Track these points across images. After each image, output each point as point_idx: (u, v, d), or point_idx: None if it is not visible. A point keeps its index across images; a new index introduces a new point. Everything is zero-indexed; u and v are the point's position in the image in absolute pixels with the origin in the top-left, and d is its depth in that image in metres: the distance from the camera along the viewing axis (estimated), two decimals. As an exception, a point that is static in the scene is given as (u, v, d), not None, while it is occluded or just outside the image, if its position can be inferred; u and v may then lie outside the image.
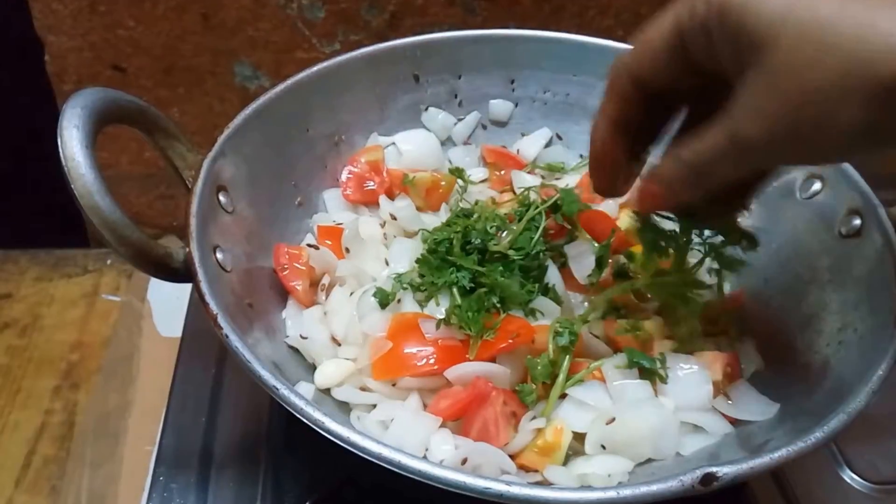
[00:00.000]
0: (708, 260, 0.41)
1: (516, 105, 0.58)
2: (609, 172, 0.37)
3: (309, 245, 0.48)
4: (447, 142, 0.58)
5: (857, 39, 0.25)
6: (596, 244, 0.46)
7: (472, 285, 0.42)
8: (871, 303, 0.39)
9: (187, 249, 0.37)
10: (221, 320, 0.34)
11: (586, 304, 0.44)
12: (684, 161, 0.31)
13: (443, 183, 0.53)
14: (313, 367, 0.43)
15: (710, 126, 0.30)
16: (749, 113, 0.28)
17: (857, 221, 0.42)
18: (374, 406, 0.40)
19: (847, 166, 0.45)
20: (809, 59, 0.25)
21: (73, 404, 0.54)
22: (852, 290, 0.41)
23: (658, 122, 0.36)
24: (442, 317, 0.41)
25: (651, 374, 0.40)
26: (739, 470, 0.30)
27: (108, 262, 0.65)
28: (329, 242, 0.48)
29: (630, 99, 0.33)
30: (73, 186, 0.34)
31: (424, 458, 0.36)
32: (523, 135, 0.59)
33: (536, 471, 0.38)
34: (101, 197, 0.34)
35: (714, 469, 0.29)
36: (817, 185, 0.46)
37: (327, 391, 0.41)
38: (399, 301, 0.43)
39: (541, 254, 0.44)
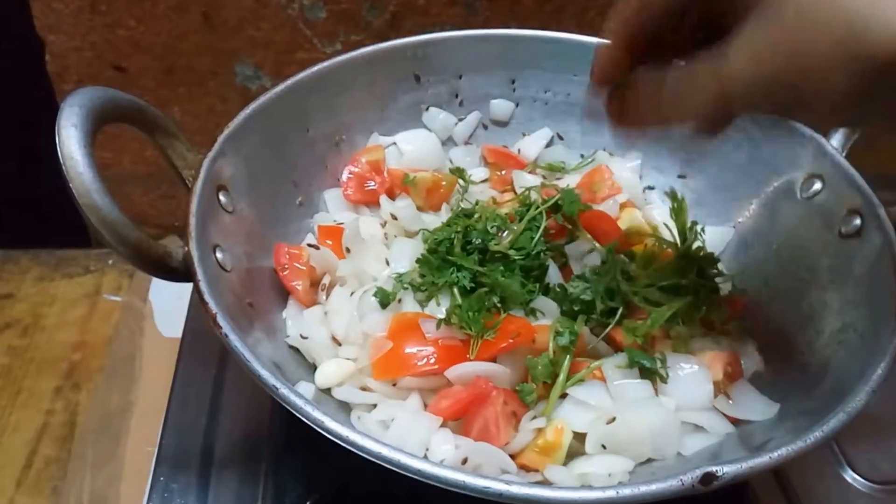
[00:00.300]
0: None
1: (517, 105, 0.58)
2: (608, 79, 0.36)
3: (309, 245, 0.48)
4: (448, 142, 0.58)
5: (860, 10, 0.25)
6: (597, 244, 0.46)
7: (473, 285, 0.42)
8: (871, 303, 0.39)
9: (186, 249, 0.37)
10: (220, 319, 0.34)
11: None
12: (667, 84, 0.31)
13: (444, 183, 0.53)
14: (314, 367, 0.43)
15: (701, 58, 0.29)
16: (741, 51, 0.28)
17: (858, 221, 0.42)
18: (375, 406, 0.40)
19: (848, 166, 0.45)
20: (809, 20, 0.25)
21: (74, 405, 0.54)
22: (852, 290, 0.41)
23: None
24: (442, 317, 0.41)
25: (652, 373, 0.40)
26: (739, 469, 0.30)
27: (110, 262, 0.65)
28: (330, 242, 0.48)
29: (636, 25, 0.33)
30: (71, 185, 0.34)
31: (425, 457, 0.36)
32: (524, 135, 0.59)
33: (537, 470, 0.38)
34: (99, 196, 0.34)
35: (714, 468, 0.30)
36: (817, 185, 0.46)
37: (328, 391, 0.41)
38: (399, 301, 0.43)
39: (541, 254, 0.44)
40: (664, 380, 0.40)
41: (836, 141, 0.46)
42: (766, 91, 0.27)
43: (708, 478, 0.29)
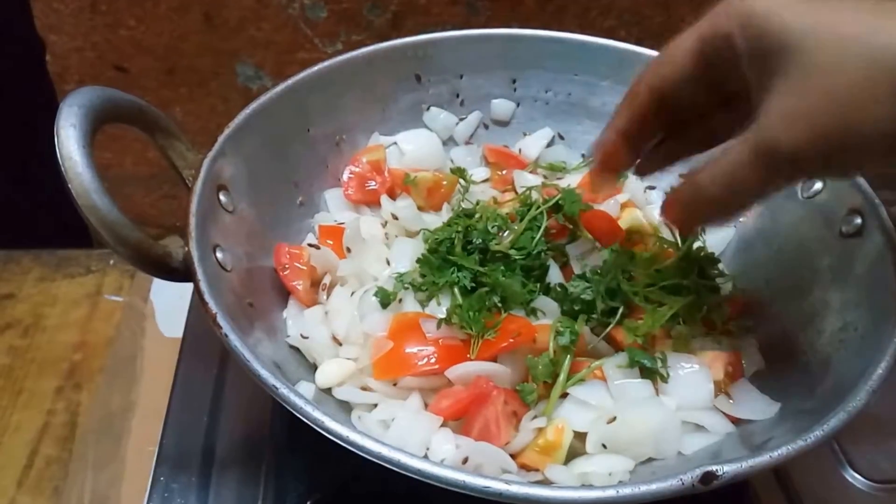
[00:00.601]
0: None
1: (518, 105, 0.58)
2: (612, 178, 0.37)
3: (310, 245, 0.48)
4: (449, 141, 0.58)
5: (873, 33, 0.25)
6: (598, 244, 0.46)
7: (474, 285, 0.42)
8: (871, 302, 0.39)
9: (186, 249, 0.37)
10: (220, 319, 0.34)
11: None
12: (703, 183, 0.31)
13: (444, 183, 0.53)
14: (314, 367, 0.43)
15: (733, 144, 0.29)
16: (777, 119, 0.27)
17: (858, 221, 0.42)
18: (375, 406, 0.40)
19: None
20: (835, 59, 0.26)
21: (75, 405, 0.54)
22: (853, 290, 0.41)
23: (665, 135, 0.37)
24: (443, 316, 0.41)
25: (652, 373, 0.40)
26: (739, 469, 0.30)
27: (111, 262, 0.65)
28: (330, 242, 0.48)
29: (646, 112, 0.33)
30: (70, 185, 0.34)
31: (425, 457, 0.36)
32: (525, 134, 0.59)
33: (537, 470, 0.38)
34: (98, 196, 0.34)
35: (714, 468, 0.29)
36: (818, 185, 0.46)
37: (328, 391, 0.41)
38: (400, 301, 0.43)
39: (542, 253, 0.44)
40: (665, 379, 0.40)
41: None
42: (814, 147, 0.27)
43: (708, 477, 0.29)
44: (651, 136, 0.36)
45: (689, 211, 0.34)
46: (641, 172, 0.41)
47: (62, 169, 0.34)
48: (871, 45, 0.25)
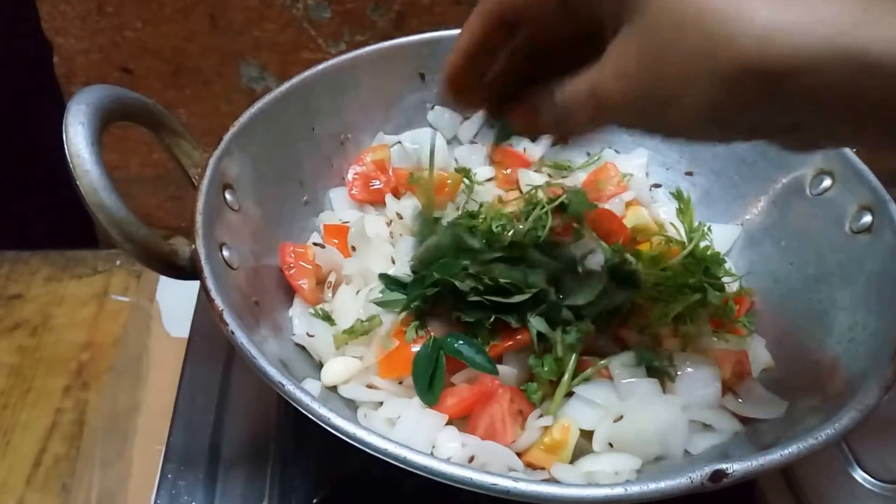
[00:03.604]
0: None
1: (522, 103, 0.58)
2: (462, 87, 0.35)
3: (315, 244, 0.48)
4: (453, 140, 0.58)
5: (719, 17, 0.23)
6: (603, 243, 0.46)
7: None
8: (881, 300, 0.39)
9: (193, 246, 0.37)
10: (227, 316, 0.34)
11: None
12: (549, 104, 0.30)
13: (449, 182, 0.52)
14: (320, 365, 0.43)
15: (579, 74, 0.29)
16: (612, 69, 0.27)
17: (868, 218, 0.42)
18: (381, 403, 0.40)
19: (858, 162, 0.44)
20: (672, 30, 0.24)
21: (83, 403, 0.54)
22: (863, 288, 0.41)
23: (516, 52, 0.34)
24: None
25: (659, 372, 0.40)
26: (749, 467, 0.30)
27: (118, 262, 0.65)
28: (335, 241, 0.48)
29: (498, 24, 0.32)
30: (78, 184, 0.34)
31: (431, 455, 0.36)
32: (529, 133, 0.59)
33: (543, 468, 0.38)
34: (106, 194, 0.34)
35: (724, 466, 0.29)
36: (827, 182, 0.46)
37: (334, 388, 0.41)
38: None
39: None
40: (672, 378, 0.40)
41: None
42: (636, 105, 0.26)
43: (718, 475, 0.29)
44: (496, 50, 0.33)
45: (527, 126, 0.34)
46: (493, 111, 0.37)
47: (71, 167, 0.34)
48: (709, 31, 0.23)
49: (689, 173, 0.55)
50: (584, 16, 0.28)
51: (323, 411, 0.31)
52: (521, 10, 0.30)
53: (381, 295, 0.43)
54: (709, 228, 0.47)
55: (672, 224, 0.51)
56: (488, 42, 0.32)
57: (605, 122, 0.29)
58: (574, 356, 0.39)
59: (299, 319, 0.45)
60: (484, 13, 0.32)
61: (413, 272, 0.43)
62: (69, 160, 0.34)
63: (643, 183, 0.55)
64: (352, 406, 0.41)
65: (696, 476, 0.29)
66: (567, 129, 0.32)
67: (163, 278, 0.61)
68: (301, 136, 0.50)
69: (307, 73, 0.49)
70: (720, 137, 0.28)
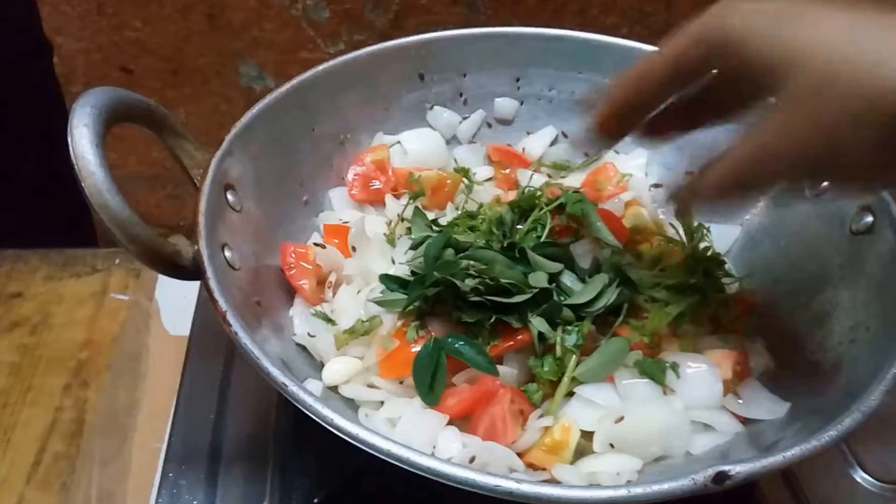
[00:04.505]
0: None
1: (521, 103, 0.58)
2: (616, 125, 0.36)
3: (315, 244, 0.48)
4: (452, 140, 0.58)
5: (865, 67, 0.26)
6: (602, 243, 0.46)
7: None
8: (883, 300, 0.39)
9: (196, 247, 0.37)
10: (230, 317, 0.34)
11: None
12: (720, 173, 0.32)
13: (448, 182, 0.52)
14: (321, 365, 0.43)
15: (736, 142, 0.30)
16: (776, 127, 0.29)
17: (869, 218, 0.42)
18: (382, 403, 0.40)
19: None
20: (820, 86, 0.26)
21: (83, 402, 0.54)
22: (864, 288, 0.41)
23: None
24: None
25: (661, 376, 0.39)
26: (752, 468, 0.30)
27: (117, 261, 0.65)
28: (336, 241, 0.48)
29: (656, 79, 0.33)
30: (83, 185, 0.34)
31: (432, 455, 0.36)
32: (529, 133, 0.59)
33: (544, 469, 0.38)
34: (111, 195, 0.34)
35: (727, 467, 0.29)
36: (827, 182, 0.46)
37: (335, 388, 0.41)
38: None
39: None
40: (673, 381, 0.40)
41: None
42: (804, 163, 0.28)
43: (721, 477, 0.29)
44: (651, 105, 0.35)
45: (695, 204, 0.35)
46: (651, 134, 0.39)
47: (76, 168, 0.34)
48: (858, 82, 0.25)
49: (690, 173, 0.55)
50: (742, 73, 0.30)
51: (326, 412, 0.31)
52: (682, 64, 0.31)
53: (381, 295, 0.43)
54: (708, 229, 0.47)
55: (671, 224, 0.51)
56: (642, 92, 0.33)
57: (781, 177, 0.31)
58: (574, 357, 0.39)
59: (300, 319, 0.45)
60: (645, 64, 0.33)
61: (413, 272, 0.43)
62: (74, 162, 0.34)
63: (643, 183, 0.55)
64: (352, 406, 0.41)
65: (700, 478, 0.29)
66: (740, 193, 0.32)
67: (161, 277, 0.61)
68: (301, 137, 0.50)
69: (307, 74, 0.49)
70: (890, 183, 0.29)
